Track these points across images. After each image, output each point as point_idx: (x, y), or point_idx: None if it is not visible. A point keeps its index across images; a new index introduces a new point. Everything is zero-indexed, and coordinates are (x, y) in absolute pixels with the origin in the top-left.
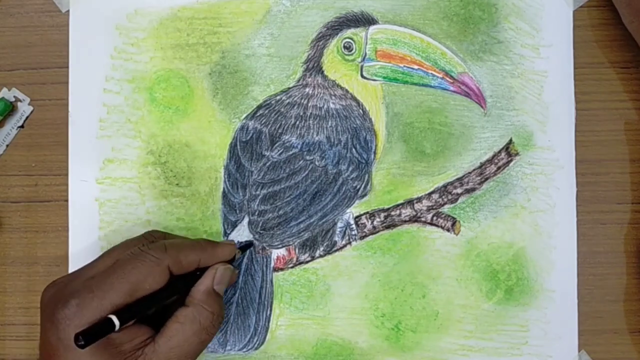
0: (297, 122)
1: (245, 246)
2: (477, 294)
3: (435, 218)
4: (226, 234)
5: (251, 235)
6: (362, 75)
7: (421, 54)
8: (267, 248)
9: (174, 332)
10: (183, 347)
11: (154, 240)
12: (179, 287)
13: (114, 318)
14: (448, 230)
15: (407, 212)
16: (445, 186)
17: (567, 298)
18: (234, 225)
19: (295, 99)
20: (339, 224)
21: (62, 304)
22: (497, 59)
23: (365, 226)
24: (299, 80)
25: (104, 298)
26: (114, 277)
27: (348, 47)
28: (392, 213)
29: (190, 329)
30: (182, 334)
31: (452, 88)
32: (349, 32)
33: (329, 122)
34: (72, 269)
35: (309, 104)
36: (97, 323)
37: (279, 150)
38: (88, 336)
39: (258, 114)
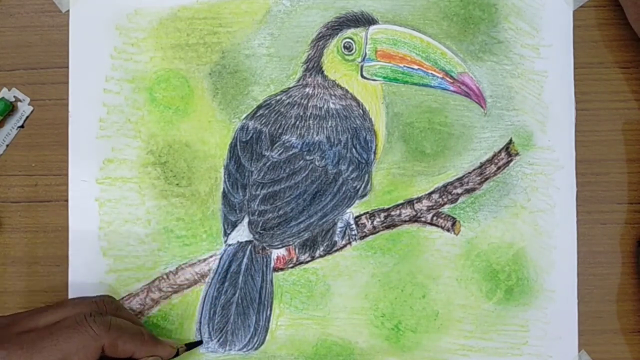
0: (297, 122)
1: (193, 344)
2: (477, 294)
3: (435, 218)
4: (226, 234)
5: (251, 235)
6: (362, 75)
7: (421, 54)
8: (267, 248)
9: None
10: None
11: (102, 312)
12: None
13: None
14: (448, 230)
15: (407, 212)
16: (445, 186)
17: (567, 298)
18: (234, 225)
19: (295, 99)
20: (339, 224)
21: None
22: (497, 59)
23: (365, 226)
24: (299, 80)
25: (31, 358)
26: (47, 340)
27: (348, 47)
28: (392, 213)
29: None
30: None
31: (452, 88)
32: (349, 32)
33: (329, 122)
34: (72, 269)
35: (309, 104)
36: None
37: (279, 150)
38: None
39: (258, 114)
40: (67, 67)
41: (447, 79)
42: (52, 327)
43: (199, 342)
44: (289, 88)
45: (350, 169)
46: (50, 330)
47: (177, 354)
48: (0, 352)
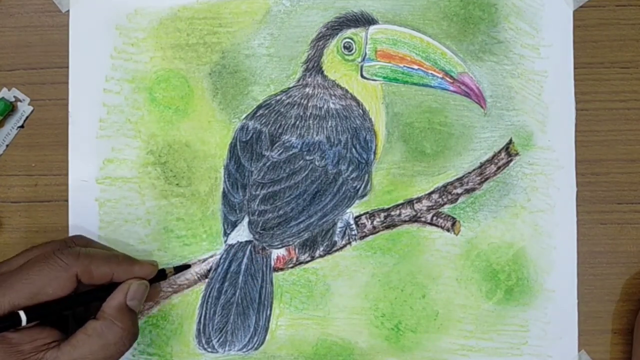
0: (297, 122)
1: (181, 267)
2: (477, 294)
3: (435, 218)
4: (226, 234)
5: (251, 235)
6: (362, 75)
7: (421, 54)
8: (267, 248)
9: (79, 343)
10: (87, 359)
11: (72, 246)
12: (91, 298)
13: (22, 314)
14: (448, 230)
15: (407, 212)
16: (445, 186)
17: (567, 298)
18: (234, 225)
19: (295, 99)
20: (339, 224)
21: None
22: (497, 59)
23: (365, 226)
24: (299, 80)
25: (4, 296)
26: (17, 277)
27: (348, 47)
28: (392, 213)
29: (97, 343)
30: (87, 346)
31: (452, 88)
32: (349, 32)
33: (329, 122)
34: None
35: (309, 104)
36: (2, 317)
37: (279, 150)
38: None
39: (258, 114)
40: (67, 67)
41: (447, 79)
42: (21, 266)
43: (188, 266)
44: (289, 88)
45: (350, 169)
46: (20, 269)
47: (164, 276)
48: None
